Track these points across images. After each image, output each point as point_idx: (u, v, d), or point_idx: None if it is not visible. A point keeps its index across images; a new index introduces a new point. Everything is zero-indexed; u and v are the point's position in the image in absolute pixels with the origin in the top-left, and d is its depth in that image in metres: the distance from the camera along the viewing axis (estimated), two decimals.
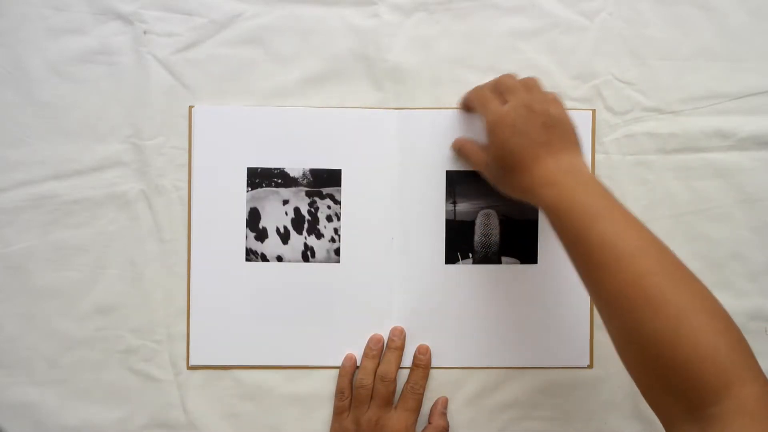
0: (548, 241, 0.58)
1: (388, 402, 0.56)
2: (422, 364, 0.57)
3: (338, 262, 0.58)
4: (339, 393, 0.57)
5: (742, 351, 0.38)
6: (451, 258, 0.58)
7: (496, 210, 0.59)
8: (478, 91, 0.54)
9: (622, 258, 0.41)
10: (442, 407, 0.58)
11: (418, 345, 0.58)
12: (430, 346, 0.58)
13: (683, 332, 0.38)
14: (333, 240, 0.59)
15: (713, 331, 0.38)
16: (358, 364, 0.58)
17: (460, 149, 0.57)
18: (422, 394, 0.57)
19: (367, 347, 0.58)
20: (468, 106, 0.57)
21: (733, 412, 0.35)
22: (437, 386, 0.59)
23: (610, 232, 0.42)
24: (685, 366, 0.37)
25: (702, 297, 0.40)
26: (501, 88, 0.51)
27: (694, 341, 0.37)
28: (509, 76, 0.52)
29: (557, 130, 0.48)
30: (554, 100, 0.50)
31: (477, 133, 0.58)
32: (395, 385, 0.57)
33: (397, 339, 0.57)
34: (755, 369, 0.37)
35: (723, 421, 0.35)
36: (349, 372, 0.58)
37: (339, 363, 0.58)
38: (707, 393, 0.36)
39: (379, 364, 0.57)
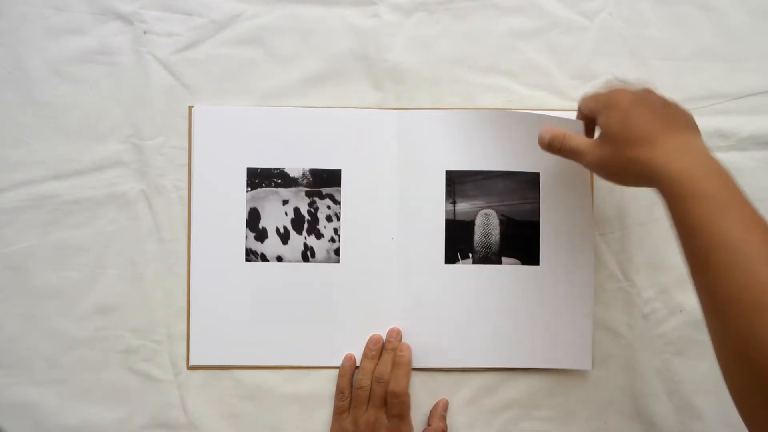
0: (550, 242, 0.58)
1: (384, 403, 0.56)
2: (401, 362, 0.57)
3: (338, 262, 0.58)
4: (339, 393, 0.57)
5: None
6: (450, 258, 0.58)
7: (496, 210, 0.58)
8: (599, 92, 0.51)
9: (746, 261, 0.38)
10: (442, 410, 0.58)
11: (400, 344, 0.58)
12: (429, 346, 0.58)
13: None
14: (333, 240, 0.59)
15: None
16: (358, 364, 0.58)
17: (553, 137, 0.50)
18: (406, 396, 0.56)
19: (367, 348, 0.58)
20: (585, 108, 0.51)
21: None
22: (437, 387, 0.59)
23: (734, 230, 0.39)
24: None
25: None
26: (606, 94, 0.49)
27: None
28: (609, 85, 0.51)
29: (679, 111, 0.46)
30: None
31: (480, 133, 0.58)
32: None
33: (394, 340, 0.58)
34: None
35: None
36: (348, 372, 0.58)
37: (339, 363, 0.58)
38: None
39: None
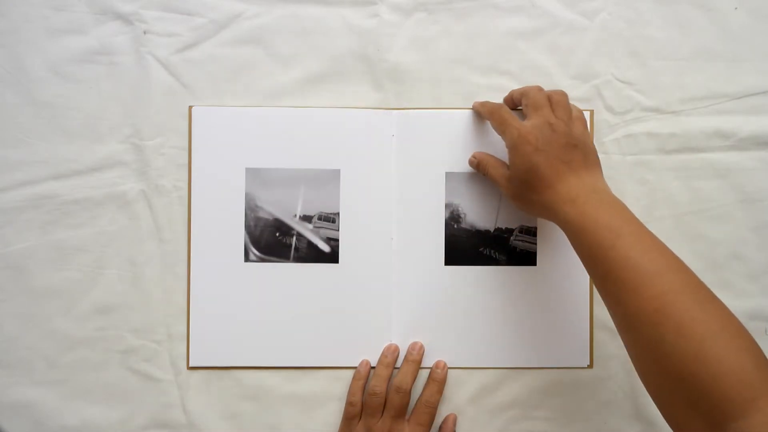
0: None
1: (401, 413, 0.56)
2: (438, 379, 0.57)
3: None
4: (351, 397, 0.57)
5: (766, 367, 0.38)
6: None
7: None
8: (494, 110, 0.53)
9: (646, 276, 0.41)
10: (452, 424, 0.57)
11: (436, 361, 0.58)
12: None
13: (708, 349, 0.38)
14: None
15: (737, 348, 0.38)
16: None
17: (479, 163, 0.56)
18: (435, 409, 0.57)
19: (383, 355, 0.58)
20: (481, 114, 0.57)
21: (759, 425, 0.35)
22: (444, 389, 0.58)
23: (633, 251, 0.43)
24: (709, 382, 0.37)
25: (724, 315, 0.40)
26: (526, 101, 0.52)
27: (719, 357, 0.37)
28: (537, 89, 0.53)
29: (579, 150, 0.49)
30: (578, 119, 0.52)
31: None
32: (409, 398, 0.56)
33: (416, 353, 0.57)
34: None
35: None
36: (363, 377, 0.57)
37: (339, 363, 0.58)
38: (732, 408, 0.36)
39: (391, 374, 0.57)
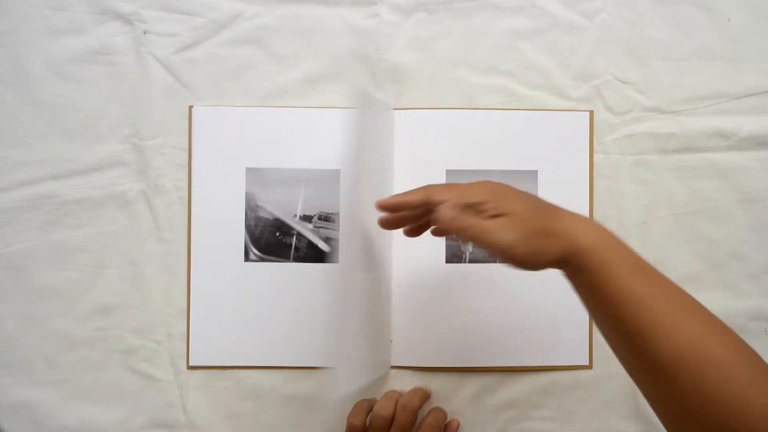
0: None
1: (407, 430, 0.55)
2: (441, 415, 0.57)
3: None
4: (352, 420, 0.55)
5: None
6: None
7: None
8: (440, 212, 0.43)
9: (678, 320, 0.39)
10: (455, 431, 0.58)
11: (450, 419, 0.58)
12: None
13: (750, 393, 0.36)
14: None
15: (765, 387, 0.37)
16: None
17: (467, 229, 0.43)
18: (442, 430, 0.57)
19: (390, 390, 0.57)
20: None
21: None
22: (437, 386, 0.58)
23: (650, 290, 0.40)
24: (746, 426, 0.36)
25: (743, 348, 0.39)
26: (433, 203, 0.44)
27: (761, 401, 0.36)
28: (436, 189, 0.45)
29: (536, 203, 0.45)
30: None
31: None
32: (416, 417, 0.55)
33: (425, 387, 0.58)
34: None
35: None
36: (365, 407, 0.56)
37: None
38: None
39: (397, 399, 0.56)
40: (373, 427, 0.54)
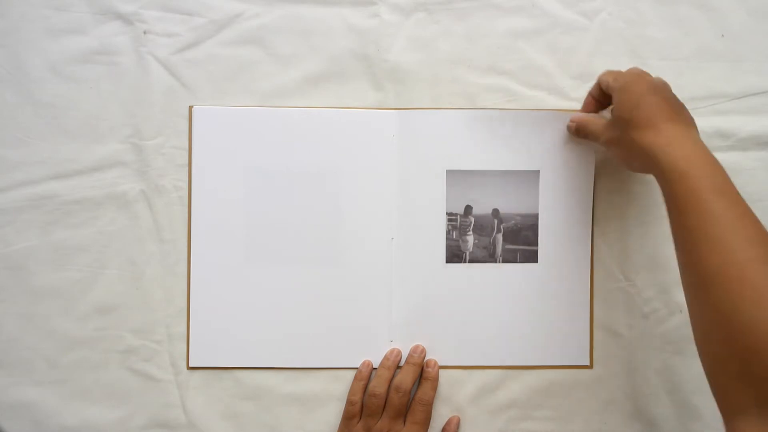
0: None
1: (399, 413, 0.56)
2: (431, 377, 0.57)
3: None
4: (351, 396, 0.57)
5: None
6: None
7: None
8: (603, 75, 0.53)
9: (735, 240, 0.40)
10: (455, 427, 0.58)
11: (427, 359, 0.58)
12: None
13: None
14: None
15: None
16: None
17: (578, 126, 0.55)
18: (431, 406, 0.57)
19: (385, 358, 0.58)
20: (604, 83, 0.53)
21: None
22: (437, 386, 0.58)
23: (730, 211, 0.42)
24: None
25: None
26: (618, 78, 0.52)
27: None
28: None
29: (684, 108, 0.49)
30: None
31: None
32: (408, 398, 0.56)
33: (417, 356, 0.58)
34: None
35: None
36: (364, 377, 0.58)
37: (338, 364, 0.58)
38: None
39: (393, 376, 0.57)
40: (368, 407, 0.56)
